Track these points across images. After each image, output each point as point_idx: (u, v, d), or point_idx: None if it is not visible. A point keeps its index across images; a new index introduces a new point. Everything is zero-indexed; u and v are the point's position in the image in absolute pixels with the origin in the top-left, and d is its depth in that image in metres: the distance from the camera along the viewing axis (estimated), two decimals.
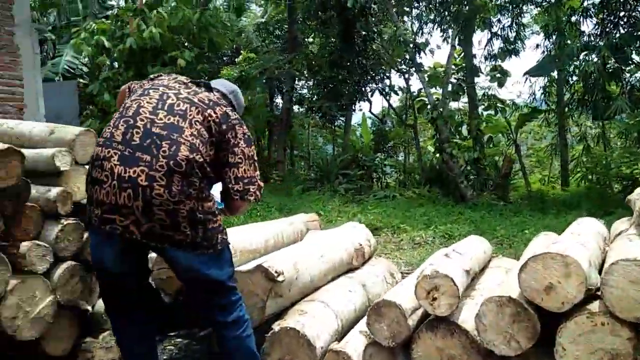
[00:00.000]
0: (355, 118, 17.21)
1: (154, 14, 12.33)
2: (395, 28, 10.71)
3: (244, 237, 2.90)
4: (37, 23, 16.77)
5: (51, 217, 2.28)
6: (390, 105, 15.16)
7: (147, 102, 1.95)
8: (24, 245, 2.11)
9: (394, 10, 10.98)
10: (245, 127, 2.11)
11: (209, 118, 1.97)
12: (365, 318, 2.36)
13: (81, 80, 13.38)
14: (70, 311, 2.30)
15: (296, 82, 16.28)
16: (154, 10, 12.35)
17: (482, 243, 3.15)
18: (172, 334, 2.87)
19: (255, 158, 2.14)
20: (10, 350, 2.08)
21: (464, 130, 12.46)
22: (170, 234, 1.82)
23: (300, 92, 16.37)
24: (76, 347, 2.36)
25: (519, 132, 12.53)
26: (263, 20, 16.94)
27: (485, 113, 13.14)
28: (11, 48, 5.14)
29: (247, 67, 15.06)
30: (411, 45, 10.30)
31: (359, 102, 14.38)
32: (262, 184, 2.15)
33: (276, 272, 2.46)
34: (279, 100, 16.91)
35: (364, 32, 12.27)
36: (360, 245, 3.41)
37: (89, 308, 2.36)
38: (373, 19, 12.50)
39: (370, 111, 15.52)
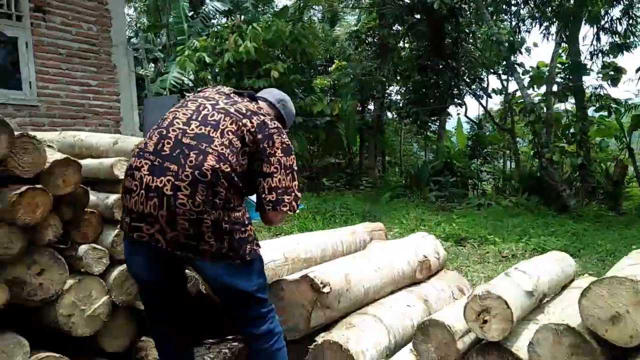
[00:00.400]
0: (452, 123, 16.64)
1: (249, 29, 12.92)
2: (487, 28, 10.17)
3: (297, 245, 2.87)
4: (151, 44, 18.29)
5: (110, 222, 2.40)
6: (485, 108, 14.44)
7: (183, 114, 1.96)
8: (82, 249, 2.25)
9: (488, 9, 10.43)
10: (285, 137, 2.04)
11: (244, 128, 1.93)
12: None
13: (187, 94, 14.29)
14: (125, 311, 2.41)
15: (389, 88, 16.16)
16: (250, 25, 12.92)
17: (559, 260, 2.83)
18: (229, 337, 2.90)
19: (295, 168, 2.05)
20: (68, 343, 2.21)
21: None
22: (194, 244, 1.80)
23: (392, 97, 16.20)
24: (132, 345, 2.46)
25: (632, 134, 11.25)
26: (356, 28, 17.02)
27: (597, 114, 11.98)
28: (109, 67, 5.62)
29: (338, 74, 15.25)
30: (505, 44, 9.68)
31: (455, 107, 13.89)
32: (299, 194, 2.07)
33: (322, 282, 2.39)
34: (372, 106, 16.85)
35: (454, 34, 11.81)
36: (425, 257, 3.22)
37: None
38: (465, 20, 11.99)
39: (465, 115, 14.89)
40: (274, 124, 2.03)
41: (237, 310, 2.01)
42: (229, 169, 1.83)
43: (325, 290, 2.38)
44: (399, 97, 16.22)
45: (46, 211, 2.01)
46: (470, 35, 12.45)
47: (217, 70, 13.55)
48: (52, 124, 5.02)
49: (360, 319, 2.53)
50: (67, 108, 5.23)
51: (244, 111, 1.99)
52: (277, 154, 1.97)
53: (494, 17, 10.90)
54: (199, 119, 1.93)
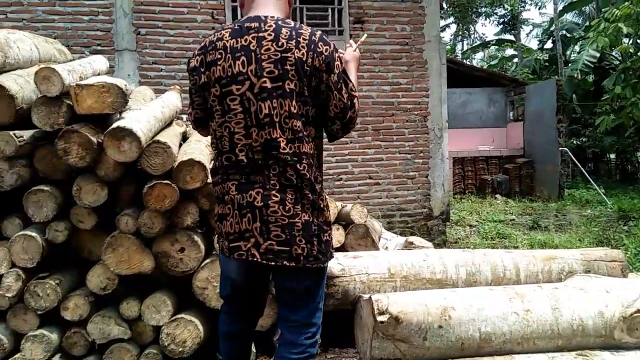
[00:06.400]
0: None
1: None
2: None
3: (423, 261, 2.41)
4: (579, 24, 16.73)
5: None
6: None
7: (235, 123, 1.77)
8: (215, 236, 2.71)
9: None
10: (318, 45, 1.74)
11: (287, 100, 1.71)
12: None
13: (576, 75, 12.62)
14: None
15: None
16: None
17: None
18: None
19: (342, 71, 1.82)
20: None
21: None
22: (287, 250, 1.76)
23: None
24: (275, 327, 2.69)
25: None
26: None
27: None
28: (420, 63, 5.77)
29: None
30: None
31: None
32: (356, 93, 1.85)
33: (379, 309, 2.00)
34: None
35: None
36: None
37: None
38: None
39: None
40: (301, 42, 1.72)
41: (290, 314, 1.89)
42: (309, 162, 1.77)
43: (380, 318, 1.99)
44: None
45: (174, 201, 2.56)
46: None
47: (638, 41, 11.26)
48: (363, 122, 5.68)
49: None
50: (377, 107, 5.74)
51: (272, 66, 1.71)
52: (323, 79, 1.74)
53: None
54: (254, 122, 1.75)
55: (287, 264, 1.75)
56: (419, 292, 2.21)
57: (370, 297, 2.08)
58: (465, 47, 23.53)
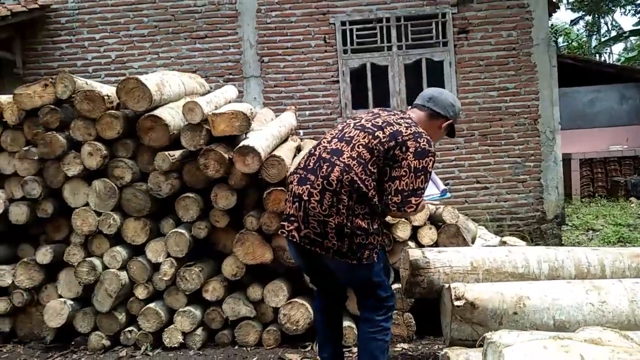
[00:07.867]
0: None
1: None
2: None
3: (505, 257, 2.61)
4: None
5: None
6: None
7: (330, 134, 2.33)
8: None
9: None
10: (422, 140, 2.16)
11: (374, 140, 2.16)
12: None
13: None
14: None
15: None
16: None
17: None
18: None
19: (428, 170, 2.15)
20: None
21: None
22: (320, 241, 2.14)
23: None
24: None
25: None
26: None
27: None
28: (528, 67, 5.68)
29: None
30: None
31: None
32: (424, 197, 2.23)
33: (456, 295, 2.28)
34: None
35: None
36: None
37: None
38: None
39: None
40: (410, 130, 2.19)
41: (357, 296, 2.41)
42: (355, 178, 2.11)
43: (457, 303, 2.27)
44: None
45: None
46: None
47: None
48: (470, 128, 5.78)
49: None
50: (485, 112, 5.74)
51: (380, 123, 2.22)
52: (408, 158, 2.13)
53: None
54: (339, 136, 2.27)
55: (319, 251, 2.15)
56: (496, 283, 2.44)
57: (449, 285, 2.37)
58: (601, 40, 21.71)
